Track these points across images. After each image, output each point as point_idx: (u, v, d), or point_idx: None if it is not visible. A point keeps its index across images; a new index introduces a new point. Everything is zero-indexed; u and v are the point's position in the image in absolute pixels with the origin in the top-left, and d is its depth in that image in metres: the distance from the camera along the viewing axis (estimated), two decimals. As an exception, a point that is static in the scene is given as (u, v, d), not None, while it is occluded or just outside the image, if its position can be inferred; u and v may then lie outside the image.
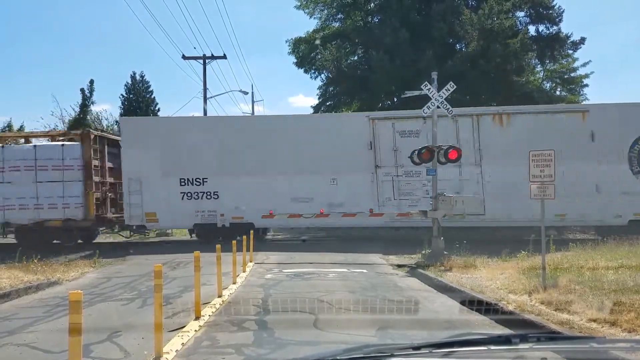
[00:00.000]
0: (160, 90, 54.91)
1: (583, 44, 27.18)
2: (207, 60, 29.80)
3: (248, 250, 13.85)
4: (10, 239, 19.46)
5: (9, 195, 18.21)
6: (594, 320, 6.67)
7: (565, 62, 30.94)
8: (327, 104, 31.56)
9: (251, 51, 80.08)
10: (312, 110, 32.37)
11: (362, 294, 9.45)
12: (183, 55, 29.95)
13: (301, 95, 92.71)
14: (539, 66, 29.88)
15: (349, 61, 30.45)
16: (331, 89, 31.22)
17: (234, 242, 11.28)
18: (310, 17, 31.05)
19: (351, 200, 18.48)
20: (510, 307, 7.63)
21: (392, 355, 2.18)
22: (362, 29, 29.82)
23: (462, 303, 8.27)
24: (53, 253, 15.30)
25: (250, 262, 13.80)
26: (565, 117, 18.47)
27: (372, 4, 30.45)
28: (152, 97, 42.02)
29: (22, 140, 21.82)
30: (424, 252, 14.11)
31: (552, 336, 3.10)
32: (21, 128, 34.02)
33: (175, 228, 22.05)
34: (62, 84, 65.67)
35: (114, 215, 19.87)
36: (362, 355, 2.22)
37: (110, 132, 27.13)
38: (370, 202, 18.57)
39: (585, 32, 64.94)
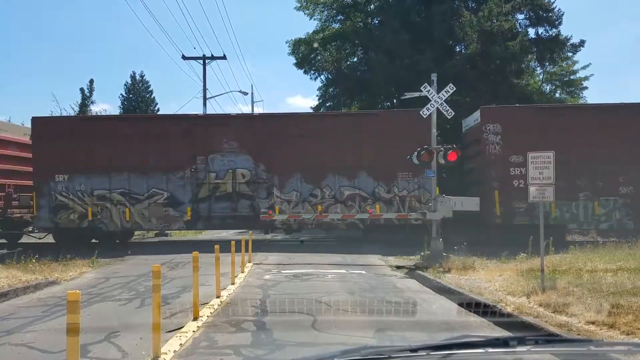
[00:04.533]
0: (160, 90, 54.92)
1: (583, 46, 27.21)
2: (207, 61, 29.81)
3: (247, 250, 13.85)
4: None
5: None
6: (593, 323, 6.67)
7: (565, 65, 30.99)
8: (327, 105, 31.59)
9: (251, 52, 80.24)
10: (311, 112, 32.41)
11: (360, 295, 9.45)
12: (183, 55, 29.96)
13: (299, 96, 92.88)
14: (538, 68, 29.92)
15: (348, 62, 30.47)
16: (331, 90, 31.25)
17: (232, 242, 11.27)
18: (311, 18, 31.06)
19: None
20: (509, 309, 7.64)
21: (390, 357, 2.17)
22: (362, 31, 29.84)
23: (461, 305, 8.27)
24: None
25: (249, 262, 13.80)
26: None
27: (372, 6, 30.47)
28: (152, 97, 42.08)
29: None
30: (422, 253, 14.11)
31: (550, 339, 3.10)
32: None
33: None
34: (62, 84, 65.77)
35: None
36: (359, 357, 2.21)
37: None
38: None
39: (585, 34, 65.11)
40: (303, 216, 18.46)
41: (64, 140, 18.50)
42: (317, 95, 32.38)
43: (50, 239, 19.32)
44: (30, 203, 19.45)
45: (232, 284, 10.37)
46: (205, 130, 18.83)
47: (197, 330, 6.78)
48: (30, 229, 20.17)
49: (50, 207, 18.48)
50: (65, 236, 18.55)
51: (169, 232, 23.34)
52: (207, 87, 29.67)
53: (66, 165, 18.50)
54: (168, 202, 18.55)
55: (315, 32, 30.86)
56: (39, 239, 19.66)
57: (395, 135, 17.72)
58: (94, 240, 18.52)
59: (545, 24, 27.01)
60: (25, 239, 20.07)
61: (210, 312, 7.76)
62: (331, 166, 18.31)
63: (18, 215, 19.48)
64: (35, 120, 20.01)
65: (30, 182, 19.69)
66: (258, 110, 44.18)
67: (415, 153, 14.50)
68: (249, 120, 20.89)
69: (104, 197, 18.59)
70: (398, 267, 13.33)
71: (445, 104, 14.14)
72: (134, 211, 18.51)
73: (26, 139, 20.35)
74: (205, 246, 13.47)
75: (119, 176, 18.56)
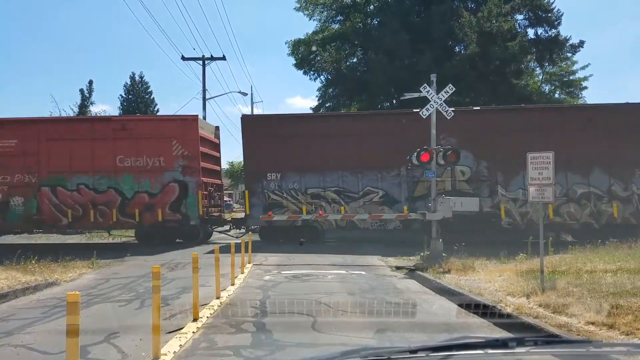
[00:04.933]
0: (160, 91, 55.12)
1: (582, 47, 27.28)
2: (206, 62, 29.85)
3: (246, 251, 13.84)
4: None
5: None
6: (592, 323, 6.67)
7: (564, 65, 31.05)
8: (327, 105, 31.63)
9: (250, 53, 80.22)
10: (311, 112, 32.45)
11: (360, 296, 9.44)
12: (182, 56, 30.00)
13: (299, 97, 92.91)
14: (538, 69, 29.97)
15: (348, 63, 30.51)
16: (330, 90, 31.29)
17: (232, 243, 11.27)
18: (310, 18, 31.15)
19: None
20: (509, 310, 7.63)
21: (389, 359, 2.18)
22: (362, 31, 29.89)
23: (460, 305, 8.27)
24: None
25: (249, 263, 13.79)
26: None
27: (371, 6, 30.51)
28: (152, 97, 42.15)
29: None
30: (422, 254, 14.10)
31: (550, 339, 3.10)
32: None
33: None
34: (61, 84, 65.78)
35: None
36: (359, 358, 2.22)
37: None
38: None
39: (584, 35, 65.16)
40: (302, 217, 18.43)
41: (275, 138, 18.55)
42: (316, 96, 32.45)
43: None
44: (219, 202, 19.92)
45: (232, 285, 10.36)
46: (420, 127, 18.64)
47: (196, 331, 6.78)
48: (227, 227, 20.54)
49: (264, 206, 18.57)
50: (276, 234, 18.73)
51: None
52: (206, 87, 29.75)
53: (278, 164, 18.54)
54: (383, 200, 18.42)
55: (315, 33, 30.91)
56: (237, 237, 19.74)
57: (631, 130, 17.04)
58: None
59: (545, 25, 27.08)
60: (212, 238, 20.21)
61: (210, 313, 7.75)
62: (561, 162, 17.65)
63: (216, 214, 19.67)
64: (245, 118, 20.19)
65: (218, 181, 20.09)
66: (257, 111, 44.05)
67: (415, 153, 14.51)
68: (468, 115, 19.44)
69: (318, 196, 18.58)
70: (398, 268, 13.32)
71: (444, 105, 14.15)
72: (348, 210, 18.47)
73: (212, 136, 20.47)
74: (205, 247, 13.47)
75: (332, 174, 18.55)
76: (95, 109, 37.29)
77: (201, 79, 29.68)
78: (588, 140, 17.14)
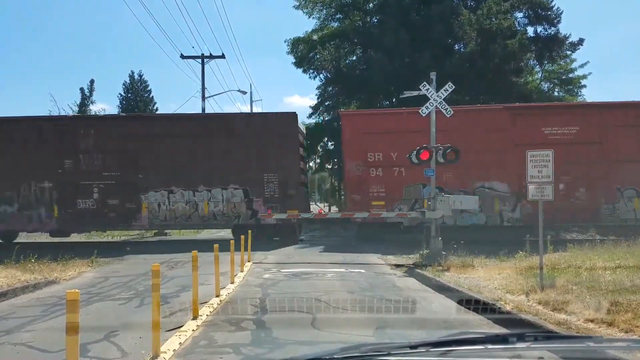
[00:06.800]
0: (159, 89, 55.01)
1: (581, 45, 27.27)
2: (205, 60, 29.73)
3: (246, 250, 13.84)
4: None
5: None
6: (591, 321, 6.67)
7: (563, 63, 31.05)
8: (326, 103, 31.59)
9: (250, 51, 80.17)
10: (310, 110, 32.49)
11: (360, 294, 9.45)
12: (181, 54, 29.89)
13: (297, 95, 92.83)
14: (537, 67, 29.97)
15: (347, 61, 30.46)
16: (330, 88, 31.24)
17: (231, 241, 11.27)
18: (309, 17, 31.07)
19: None
20: (508, 307, 7.64)
21: (389, 354, 2.18)
22: (361, 29, 29.85)
23: (460, 303, 8.27)
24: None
25: (249, 261, 13.79)
26: None
27: (370, 4, 30.47)
28: (151, 96, 42.11)
29: None
30: (422, 252, 14.10)
31: (549, 335, 3.10)
32: None
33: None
34: (60, 84, 65.68)
35: None
36: (359, 354, 2.22)
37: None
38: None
39: (583, 33, 65.10)
40: (302, 215, 18.43)
41: None
42: (315, 95, 32.37)
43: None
44: None
45: (232, 283, 10.37)
46: None
47: (196, 329, 6.78)
48: None
49: None
50: None
51: (167, 231, 23.30)
52: (205, 86, 29.64)
53: None
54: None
55: (314, 31, 30.86)
56: None
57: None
58: None
59: (544, 23, 27.07)
60: None
61: (210, 311, 7.76)
62: None
63: None
64: None
65: None
66: (257, 110, 44.01)
67: (415, 152, 14.50)
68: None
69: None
70: (397, 266, 13.33)
71: (444, 103, 14.14)
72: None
73: None
74: (205, 245, 13.45)
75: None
76: (95, 108, 37.24)
77: (200, 78, 29.65)
78: None
